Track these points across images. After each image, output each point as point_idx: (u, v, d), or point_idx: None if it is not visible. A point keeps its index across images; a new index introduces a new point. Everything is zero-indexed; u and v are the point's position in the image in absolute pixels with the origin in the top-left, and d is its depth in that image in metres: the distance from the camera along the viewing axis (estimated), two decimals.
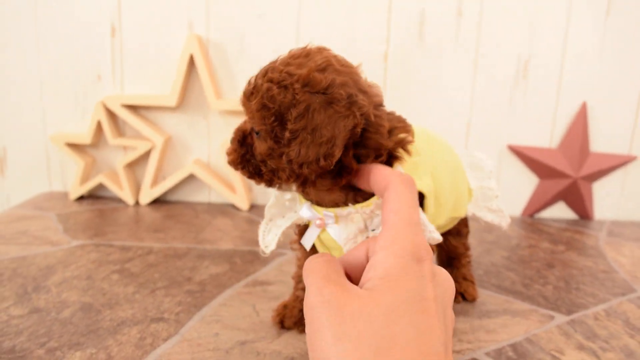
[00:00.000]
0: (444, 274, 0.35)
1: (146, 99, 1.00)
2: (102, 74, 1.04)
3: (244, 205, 1.04)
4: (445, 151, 0.59)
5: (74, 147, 1.05)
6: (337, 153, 0.40)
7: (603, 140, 1.04)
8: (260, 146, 0.45)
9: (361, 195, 0.45)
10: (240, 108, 1.09)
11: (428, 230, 0.45)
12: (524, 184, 1.07)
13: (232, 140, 0.49)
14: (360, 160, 0.43)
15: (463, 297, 0.67)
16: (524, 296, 0.69)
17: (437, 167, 0.53)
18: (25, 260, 0.75)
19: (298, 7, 0.99)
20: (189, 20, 1.01)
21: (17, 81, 1.06)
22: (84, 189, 1.06)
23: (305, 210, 0.49)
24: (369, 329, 0.29)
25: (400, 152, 0.45)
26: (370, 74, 0.45)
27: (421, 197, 0.49)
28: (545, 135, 1.04)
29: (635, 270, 0.80)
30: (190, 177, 1.08)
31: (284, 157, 0.42)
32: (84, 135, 1.04)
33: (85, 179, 1.06)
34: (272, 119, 0.41)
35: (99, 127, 1.03)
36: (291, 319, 0.58)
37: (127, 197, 1.05)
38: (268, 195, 1.08)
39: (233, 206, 1.07)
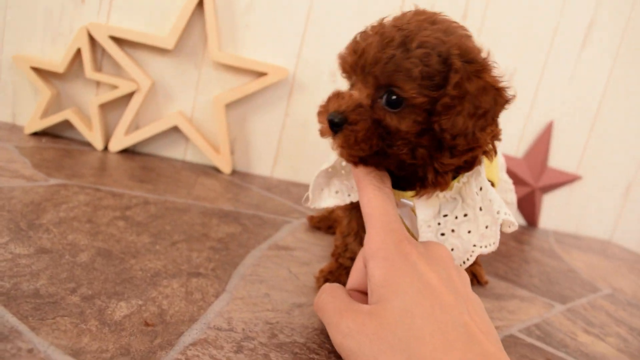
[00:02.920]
0: (432, 246, 0.38)
1: (140, 35, 0.90)
2: None
3: (226, 168, 0.98)
4: None
5: (40, 73, 0.91)
6: (493, 127, 0.40)
7: (559, 158, 1.16)
8: (403, 121, 0.40)
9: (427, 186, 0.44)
10: (237, 64, 1.00)
11: (503, 213, 0.47)
12: None
13: (359, 120, 0.40)
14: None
15: (476, 279, 0.71)
16: (520, 284, 0.75)
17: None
18: (1, 192, 0.64)
19: None
20: None
21: None
22: (43, 124, 0.92)
23: None
24: (394, 337, 0.32)
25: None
26: None
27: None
28: (514, 145, 1.14)
29: (591, 273, 0.91)
30: (167, 131, 0.99)
31: (435, 126, 0.39)
32: (57, 63, 0.90)
33: (46, 112, 0.92)
34: (433, 88, 0.39)
35: (76, 56, 0.90)
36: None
37: (96, 140, 0.93)
38: (250, 162, 1.03)
39: (213, 168, 1.01)
